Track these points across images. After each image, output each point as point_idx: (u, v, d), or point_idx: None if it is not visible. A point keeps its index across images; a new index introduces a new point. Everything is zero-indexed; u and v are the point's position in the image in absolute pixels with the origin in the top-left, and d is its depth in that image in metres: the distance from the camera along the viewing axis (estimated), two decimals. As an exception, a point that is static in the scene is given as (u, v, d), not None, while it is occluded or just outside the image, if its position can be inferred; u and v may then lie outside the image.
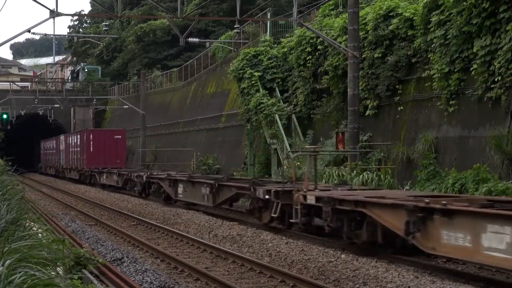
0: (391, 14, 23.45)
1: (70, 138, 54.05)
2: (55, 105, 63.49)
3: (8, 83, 65.88)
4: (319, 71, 27.65)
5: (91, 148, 46.66)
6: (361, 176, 21.65)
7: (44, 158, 71.92)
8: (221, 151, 40.19)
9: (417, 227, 12.15)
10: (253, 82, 31.91)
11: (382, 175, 21.61)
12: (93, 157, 46.19)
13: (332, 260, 13.93)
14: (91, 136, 47.44)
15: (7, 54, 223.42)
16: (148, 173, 32.34)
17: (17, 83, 73.66)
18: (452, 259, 12.94)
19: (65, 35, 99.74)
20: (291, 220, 17.32)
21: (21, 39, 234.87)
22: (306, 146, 22.55)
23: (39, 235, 9.38)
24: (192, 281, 12.76)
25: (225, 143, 39.94)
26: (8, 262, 5.69)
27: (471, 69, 18.86)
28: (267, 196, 18.45)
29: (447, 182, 18.08)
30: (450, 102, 20.17)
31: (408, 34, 22.62)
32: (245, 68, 32.35)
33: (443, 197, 13.33)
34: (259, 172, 31.64)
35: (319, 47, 27.41)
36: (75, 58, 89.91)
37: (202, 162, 39.34)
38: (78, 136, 50.26)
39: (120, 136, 47.61)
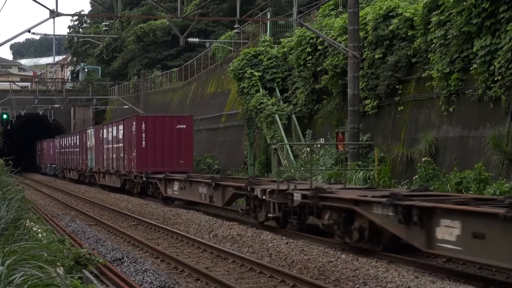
0: (391, 14, 23.46)
1: (106, 130, 39.25)
2: (55, 105, 63.50)
3: (8, 83, 65.90)
4: (318, 70, 27.66)
5: (143, 143, 31.78)
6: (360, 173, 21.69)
7: (61, 159, 58.47)
8: (221, 151, 40.20)
9: None
10: (253, 82, 31.93)
11: (376, 174, 21.61)
12: (146, 157, 31.66)
13: (332, 260, 13.93)
14: (144, 125, 31.94)
15: (7, 54, 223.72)
16: (314, 188, 16.47)
17: (17, 83, 73.66)
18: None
19: (65, 35, 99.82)
20: None
21: (21, 39, 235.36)
22: None
23: (39, 235, 9.39)
24: (192, 281, 12.76)
25: (225, 143, 39.95)
26: (8, 262, 5.70)
27: (471, 69, 18.87)
28: None
29: (451, 183, 18.02)
30: (450, 102, 20.18)
31: (408, 34, 22.62)
32: (245, 68, 32.38)
33: None
34: (259, 172, 31.65)
35: (319, 47, 27.42)
36: (75, 58, 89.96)
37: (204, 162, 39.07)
38: (121, 127, 35.17)
39: (184, 126, 32.00)
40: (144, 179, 30.98)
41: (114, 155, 36.56)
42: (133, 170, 32.37)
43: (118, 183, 35.92)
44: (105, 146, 38.99)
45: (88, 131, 45.83)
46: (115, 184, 36.89)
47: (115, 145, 36.39)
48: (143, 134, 31.86)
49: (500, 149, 17.60)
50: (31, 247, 6.66)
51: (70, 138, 54.20)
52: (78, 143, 49.38)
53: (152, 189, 30.55)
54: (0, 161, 18.53)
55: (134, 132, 32.24)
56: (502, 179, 17.00)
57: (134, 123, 32.35)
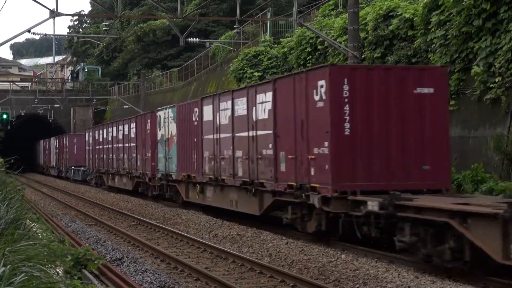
0: (391, 14, 23.48)
1: (214, 107, 21.94)
2: (55, 105, 63.51)
3: (8, 83, 65.94)
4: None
5: (347, 125, 14.90)
6: None
7: (96, 159, 42.50)
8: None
9: None
10: (253, 82, 31.95)
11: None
12: (353, 157, 14.93)
13: (332, 260, 13.93)
14: (347, 86, 14.86)
15: (7, 54, 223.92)
16: None
17: (17, 83, 73.75)
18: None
19: (65, 35, 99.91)
20: None
21: (21, 39, 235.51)
22: None
23: (39, 235, 9.39)
24: (192, 281, 12.77)
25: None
26: (9, 266, 5.69)
27: (472, 67, 18.88)
28: None
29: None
30: (450, 102, 20.18)
31: (408, 34, 22.64)
32: (245, 68, 32.41)
33: None
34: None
35: (319, 47, 27.44)
36: (75, 58, 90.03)
37: None
38: (267, 96, 17.95)
39: (431, 90, 15.34)
40: (372, 208, 13.62)
41: (239, 154, 19.67)
42: (318, 185, 15.19)
43: (254, 207, 18.89)
44: (208, 137, 22.21)
45: (161, 113, 28.21)
46: (237, 207, 20.26)
47: (240, 134, 19.56)
48: (347, 107, 14.94)
49: (500, 149, 17.61)
50: (31, 246, 6.65)
51: (115, 128, 37.64)
52: (133, 135, 33.16)
53: (415, 237, 12.76)
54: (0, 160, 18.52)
55: (322, 103, 15.03)
56: (496, 178, 17.02)
57: (324, 83, 14.92)
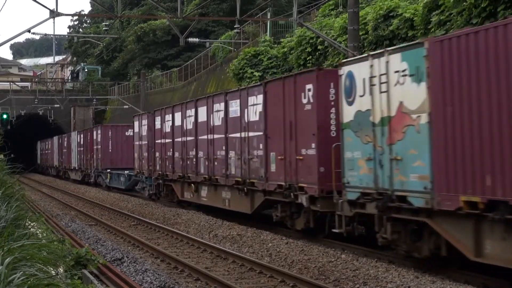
0: (391, 14, 23.48)
1: None
2: (55, 105, 63.47)
3: (8, 83, 65.92)
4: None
5: None
6: None
7: (150, 158, 29.68)
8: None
9: None
10: (253, 82, 31.94)
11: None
12: None
13: (332, 260, 13.93)
14: None
15: (7, 54, 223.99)
16: None
17: (17, 83, 73.67)
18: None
19: (65, 35, 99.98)
20: None
21: (21, 39, 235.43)
22: None
23: (39, 235, 9.39)
24: (192, 281, 12.77)
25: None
26: (7, 260, 5.69)
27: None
28: None
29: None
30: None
31: (409, 34, 22.63)
32: (245, 68, 32.41)
33: None
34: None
35: (319, 47, 27.44)
36: (75, 58, 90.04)
37: None
38: None
39: None
40: None
41: None
42: None
43: None
44: None
45: (356, 69, 14.28)
46: None
47: None
48: None
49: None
50: (31, 245, 6.65)
51: (202, 110, 23.63)
52: (253, 118, 19.45)
53: None
54: (0, 156, 18.53)
55: None
56: None
57: None
